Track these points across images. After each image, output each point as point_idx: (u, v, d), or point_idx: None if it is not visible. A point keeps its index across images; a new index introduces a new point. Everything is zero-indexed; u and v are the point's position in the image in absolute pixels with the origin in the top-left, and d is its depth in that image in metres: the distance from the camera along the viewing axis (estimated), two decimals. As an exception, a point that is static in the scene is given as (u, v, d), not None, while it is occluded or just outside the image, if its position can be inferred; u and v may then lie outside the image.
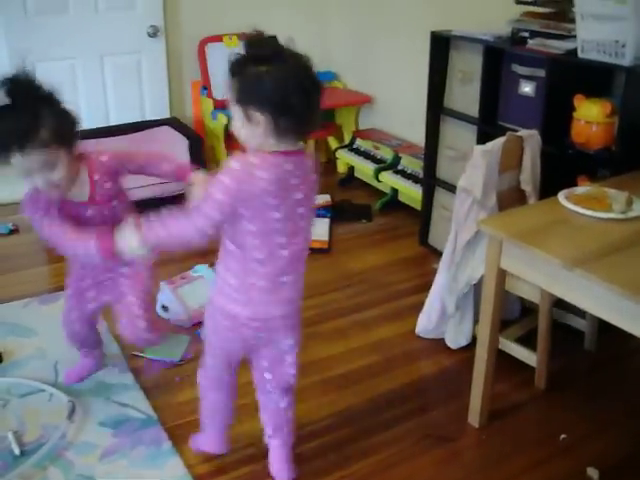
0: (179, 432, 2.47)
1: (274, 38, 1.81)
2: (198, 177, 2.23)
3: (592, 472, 2.30)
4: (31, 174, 2.12)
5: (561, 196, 2.36)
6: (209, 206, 1.80)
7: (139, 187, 3.90)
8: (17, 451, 2.37)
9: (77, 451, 2.39)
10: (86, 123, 4.31)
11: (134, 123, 4.42)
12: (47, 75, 4.05)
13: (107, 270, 2.46)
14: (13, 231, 4.09)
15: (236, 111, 1.79)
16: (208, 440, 2.31)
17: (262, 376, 2.15)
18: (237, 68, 1.77)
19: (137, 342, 2.50)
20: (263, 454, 2.32)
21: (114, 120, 4.46)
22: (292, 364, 2.11)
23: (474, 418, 2.53)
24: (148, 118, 4.55)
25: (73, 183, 2.24)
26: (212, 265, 3.09)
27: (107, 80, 4.40)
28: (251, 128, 1.78)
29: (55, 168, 2.13)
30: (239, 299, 1.95)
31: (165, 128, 4.37)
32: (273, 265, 1.91)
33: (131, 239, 1.92)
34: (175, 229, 1.87)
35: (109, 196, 2.32)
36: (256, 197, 1.78)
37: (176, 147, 4.14)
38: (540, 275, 2.16)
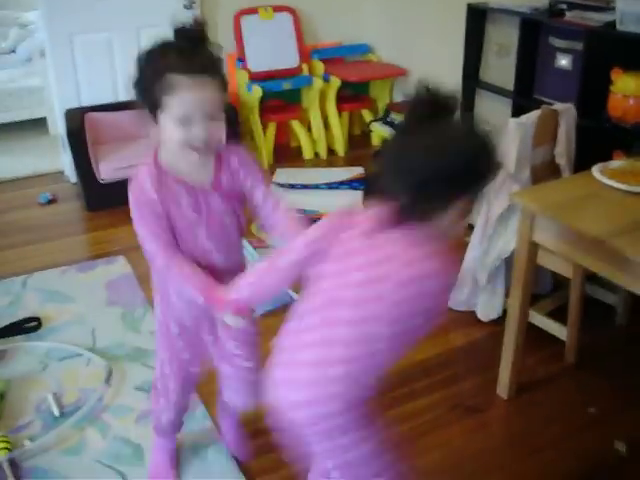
0: (213, 398, 2.52)
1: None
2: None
3: (620, 445, 2.31)
4: (191, 120, 1.64)
5: (595, 170, 2.35)
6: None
7: None
8: (56, 412, 2.45)
9: (114, 413, 2.46)
10: (122, 96, 4.41)
11: (170, 95, 4.46)
12: (84, 48, 4.18)
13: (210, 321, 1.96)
14: (51, 201, 4.17)
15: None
16: None
17: None
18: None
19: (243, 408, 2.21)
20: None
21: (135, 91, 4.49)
22: None
23: (503, 390, 2.54)
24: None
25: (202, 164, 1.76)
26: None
27: (143, 52, 4.43)
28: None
29: (218, 120, 1.69)
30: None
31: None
32: None
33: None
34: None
35: (237, 192, 1.82)
36: None
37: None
38: (573, 249, 2.16)
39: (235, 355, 2.01)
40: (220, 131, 1.70)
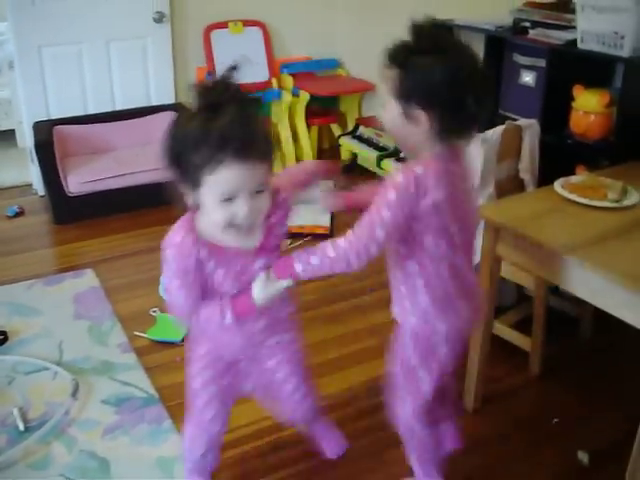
0: (180, 411, 2.51)
1: (443, 27, 1.67)
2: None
3: (582, 455, 2.35)
4: (235, 197, 1.56)
5: (557, 185, 2.40)
6: (374, 226, 1.63)
7: (116, 176, 3.98)
8: (22, 427, 2.43)
9: (80, 427, 2.45)
10: (92, 108, 4.41)
11: (139, 108, 4.47)
12: (53, 60, 4.17)
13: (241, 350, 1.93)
14: (19, 213, 4.15)
15: (391, 105, 1.62)
16: None
17: None
18: (400, 57, 1.59)
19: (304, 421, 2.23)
20: (258, 434, 2.41)
21: (120, 105, 4.49)
22: None
23: (469, 401, 2.57)
24: (153, 103, 4.58)
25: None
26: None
27: (113, 65, 4.43)
28: (408, 127, 1.61)
29: (264, 191, 1.61)
30: (436, 316, 1.81)
31: (170, 114, 4.40)
32: (458, 274, 1.78)
33: (268, 283, 1.71)
34: (331, 253, 1.67)
35: (278, 244, 1.81)
36: (431, 208, 1.62)
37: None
38: (535, 262, 2.20)
39: (275, 381, 2.03)
40: (264, 202, 1.63)
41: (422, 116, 1.58)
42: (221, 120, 1.50)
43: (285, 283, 1.72)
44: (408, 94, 1.58)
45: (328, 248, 1.68)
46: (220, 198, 1.55)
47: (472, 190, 1.83)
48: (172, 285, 1.73)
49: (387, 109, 1.65)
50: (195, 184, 1.56)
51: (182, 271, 1.69)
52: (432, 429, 2.03)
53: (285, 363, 2.00)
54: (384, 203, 1.62)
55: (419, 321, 1.83)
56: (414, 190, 1.59)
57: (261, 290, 1.71)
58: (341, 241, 1.67)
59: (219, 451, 2.12)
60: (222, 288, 1.74)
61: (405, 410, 1.97)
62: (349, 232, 1.67)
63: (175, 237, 1.68)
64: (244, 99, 1.58)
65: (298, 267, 1.70)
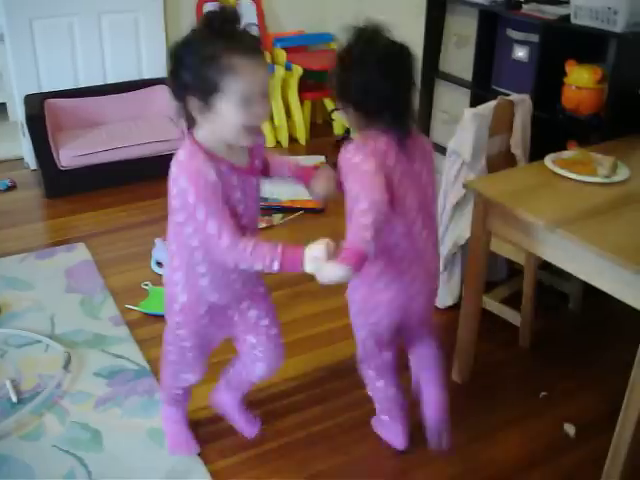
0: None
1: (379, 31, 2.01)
2: (323, 172, 2.01)
3: (568, 428, 2.38)
4: (252, 99, 1.66)
5: (548, 160, 2.41)
6: (371, 194, 1.75)
7: (108, 150, 3.97)
8: (14, 399, 2.45)
9: (72, 399, 2.47)
10: (83, 81, 4.38)
11: (131, 82, 4.44)
12: (44, 33, 4.13)
13: (228, 296, 1.99)
14: (10, 187, 4.13)
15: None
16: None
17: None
18: (332, 73, 1.97)
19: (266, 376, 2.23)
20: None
21: (111, 79, 4.46)
22: None
23: (458, 375, 2.60)
24: (145, 77, 4.55)
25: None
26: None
27: (104, 38, 4.39)
28: (348, 116, 1.94)
29: (269, 96, 1.75)
30: (383, 286, 1.99)
31: (161, 87, 4.39)
32: (410, 244, 1.96)
33: (336, 268, 1.69)
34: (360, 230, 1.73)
35: (261, 167, 1.93)
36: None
37: (172, 106, 4.15)
38: (524, 236, 2.21)
39: (261, 325, 2.10)
40: (269, 106, 1.77)
41: (350, 109, 1.91)
42: (237, 31, 1.67)
43: (349, 274, 1.69)
44: (340, 98, 1.94)
45: (363, 230, 1.72)
46: (241, 100, 1.64)
47: (424, 170, 2.02)
48: (200, 215, 1.70)
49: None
50: (213, 91, 1.64)
51: (205, 195, 1.69)
52: (387, 380, 2.22)
53: (268, 311, 2.12)
54: (366, 172, 1.80)
55: (365, 291, 2.03)
56: (379, 154, 1.86)
57: (326, 274, 1.71)
58: (363, 220, 1.73)
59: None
60: (240, 208, 1.81)
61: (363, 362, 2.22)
62: (360, 213, 1.75)
63: (184, 161, 1.72)
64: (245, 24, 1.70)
65: (363, 247, 1.70)
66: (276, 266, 1.71)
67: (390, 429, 2.30)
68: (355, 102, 1.89)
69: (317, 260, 1.70)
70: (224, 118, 1.67)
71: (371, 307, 2.04)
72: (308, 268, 1.72)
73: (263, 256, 1.71)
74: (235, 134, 1.71)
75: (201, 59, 1.63)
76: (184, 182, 1.70)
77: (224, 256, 1.75)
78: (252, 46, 1.67)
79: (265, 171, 1.98)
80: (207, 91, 1.64)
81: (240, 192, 1.80)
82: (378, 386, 2.23)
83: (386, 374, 2.20)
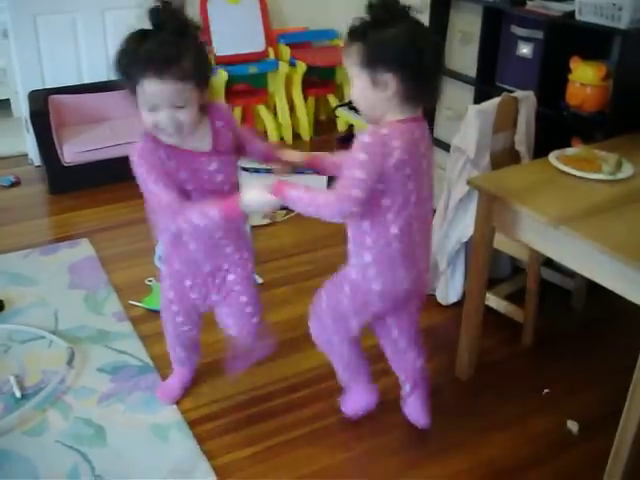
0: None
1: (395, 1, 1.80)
2: (289, 154, 2.19)
3: (572, 425, 2.38)
4: (157, 108, 1.85)
5: (552, 156, 2.41)
6: (352, 187, 1.78)
7: (111, 146, 3.97)
8: (18, 394, 2.45)
9: (76, 395, 2.47)
10: (87, 77, 4.38)
11: (135, 78, 4.43)
12: (48, 29, 4.13)
13: (213, 260, 2.16)
14: (14, 183, 4.14)
15: (359, 76, 1.79)
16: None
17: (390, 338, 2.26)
18: (361, 31, 1.77)
19: (251, 345, 2.35)
20: (252, 402, 2.45)
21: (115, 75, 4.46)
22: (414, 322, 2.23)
23: (461, 372, 2.60)
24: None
25: (193, 131, 1.95)
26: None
27: (108, 35, 4.39)
28: (376, 93, 1.78)
29: (185, 107, 1.87)
30: (374, 275, 1.98)
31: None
32: (409, 238, 1.93)
33: (262, 193, 1.87)
34: (321, 199, 1.84)
35: (230, 148, 2.05)
36: (393, 168, 1.78)
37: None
38: (528, 233, 2.21)
39: (234, 291, 2.22)
40: (188, 116, 1.88)
41: (390, 79, 1.75)
42: (149, 43, 1.81)
43: (275, 201, 1.88)
44: (375, 61, 1.74)
45: (320, 195, 1.85)
46: (146, 107, 1.86)
47: (431, 158, 1.96)
48: (149, 184, 1.93)
49: (355, 83, 1.82)
50: (132, 92, 1.88)
51: (152, 166, 1.92)
52: (351, 344, 2.24)
53: (243, 279, 2.22)
54: (356, 165, 1.78)
55: (357, 277, 2.02)
56: (381, 149, 1.76)
57: (252, 198, 1.89)
58: (331, 194, 1.83)
59: (199, 348, 2.46)
60: (189, 186, 1.97)
61: (326, 335, 2.23)
62: (335, 189, 1.83)
63: (137, 145, 1.96)
64: (182, 22, 1.86)
65: (292, 192, 1.87)
66: (215, 211, 1.89)
67: (360, 392, 2.35)
68: (402, 65, 1.73)
69: (253, 198, 1.90)
70: (143, 116, 1.90)
71: (362, 292, 2.04)
72: (244, 199, 1.90)
73: (201, 208, 1.91)
74: (153, 131, 1.92)
75: (125, 62, 1.86)
76: (135, 160, 1.96)
77: (166, 213, 1.96)
78: (161, 64, 1.79)
79: (241, 152, 2.13)
80: (131, 91, 1.89)
81: (186, 172, 1.96)
82: (342, 351, 2.25)
83: (351, 340, 2.23)
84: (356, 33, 1.78)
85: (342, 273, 2.10)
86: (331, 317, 2.15)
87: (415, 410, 2.34)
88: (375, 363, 2.38)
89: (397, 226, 1.89)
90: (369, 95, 1.80)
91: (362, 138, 1.77)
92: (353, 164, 1.78)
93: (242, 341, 2.32)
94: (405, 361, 2.29)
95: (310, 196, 1.86)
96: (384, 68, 1.73)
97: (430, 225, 2.06)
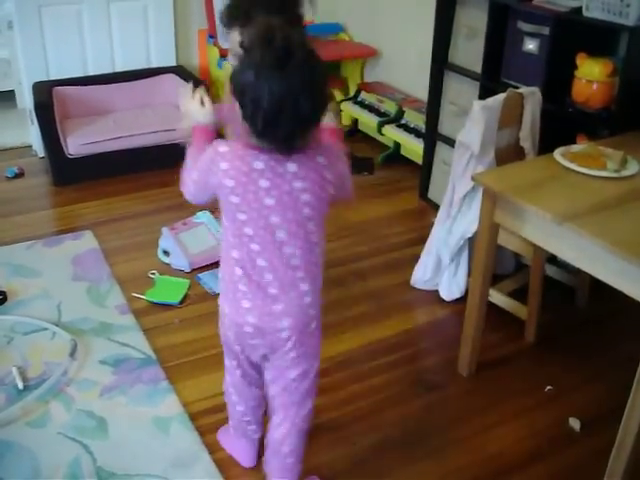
0: (176, 372, 2.56)
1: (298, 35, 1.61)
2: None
3: (574, 422, 2.38)
4: None
5: (557, 153, 2.40)
6: (191, 179, 1.78)
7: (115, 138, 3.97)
8: (21, 385, 2.46)
9: (78, 387, 2.48)
10: (92, 69, 4.37)
11: (140, 70, 4.44)
12: (53, 20, 4.13)
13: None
14: (18, 175, 4.14)
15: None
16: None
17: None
18: (246, 46, 1.59)
19: None
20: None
21: (120, 67, 4.46)
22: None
23: (463, 368, 2.60)
24: (154, 65, 4.55)
25: None
26: (213, 212, 3.17)
27: (113, 26, 4.39)
28: (236, 110, 1.62)
29: None
30: (225, 301, 1.85)
31: (171, 76, 4.39)
32: (251, 271, 1.75)
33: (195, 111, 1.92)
34: (186, 169, 1.82)
35: None
36: (217, 189, 1.69)
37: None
38: (532, 230, 2.21)
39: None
40: None
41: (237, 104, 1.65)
42: None
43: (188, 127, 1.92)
44: (233, 79, 1.63)
45: (190, 166, 1.82)
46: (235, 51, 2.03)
47: (285, 201, 1.68)
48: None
49: (226, 80, 1.77)
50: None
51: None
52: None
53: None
54: (197, 166, 1.77)
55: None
56: (210, 165, 1.73)
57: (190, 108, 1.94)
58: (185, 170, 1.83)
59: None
60: None
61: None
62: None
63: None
64: None
65: (192, 148, 1.85)
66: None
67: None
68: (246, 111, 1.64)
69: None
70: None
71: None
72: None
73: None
74: None
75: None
76: None
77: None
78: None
79: None
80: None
81: None
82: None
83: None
84: (245, 44, 1.60)
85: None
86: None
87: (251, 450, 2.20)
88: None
89: (238, 253, 1.75)
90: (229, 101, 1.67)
91: (212, 146, 1.72)
92: (198, 163, 1.76)
93: None
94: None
95: (192, 160, 1.81)
96: (235, 93, 1.61)
97: (296, 268, 1.76)
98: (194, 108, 1.93)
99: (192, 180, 1.78)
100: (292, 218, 1.69)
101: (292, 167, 1.65)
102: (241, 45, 1.60)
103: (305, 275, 1.77)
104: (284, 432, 1.95)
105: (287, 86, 1.53)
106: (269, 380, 1.93)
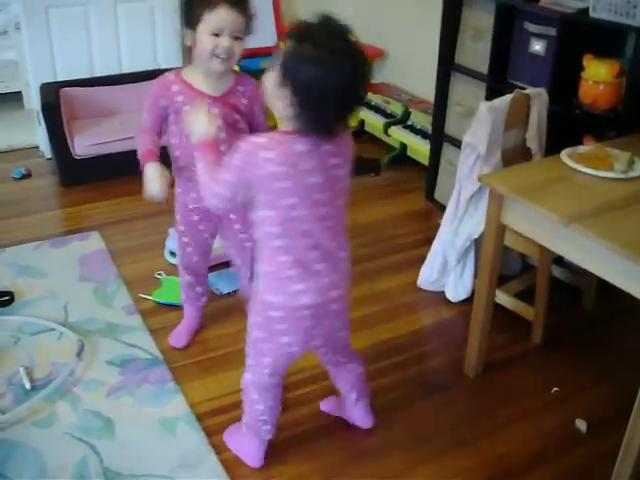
0: (183, 373, 2.56)
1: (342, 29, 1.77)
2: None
3: (580, 423, 2.37)
4: (222, 33, 2.19)
5: (564, 154, 2.39)
6: (224, 183, 1.82)
7: (122, 139, 3.97)
8: (28, 386, 2.46)
9: (85, 387, 2.48)
10: (98, 70, 4.38)
11: (146, 71, 4.43)
12: (60, 21, 4.14)
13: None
14: (26, 176, 4.15)
15: (274, 71, 1.72)
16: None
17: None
18: (298, 35, 1.71)
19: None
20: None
21: (127, 68, 4.47)
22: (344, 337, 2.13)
23: (469, 369, 2.60)
24: (161, 66, 4.55)
25: (216, 78, 2.32)
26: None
27: (120, 27, 4.40)
28: (279, 96, 1.71)
29: (239, 40, 2.24)
30: (273, 293, 1.91)
31: (177, 77, 4.39)
32: (298, 253, 1.85)
33: (202, 121, 2.00)
34: (205, 176, 1.90)
35: (239, 109, 2.36)
36: (260, 180, 1.75)
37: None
38: (538, 231, 2.20)
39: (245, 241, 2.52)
40: (239, 48, 2.25)
41: (288, 95, 1.71)
42: None
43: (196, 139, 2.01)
44: (285, 71, 1.70)
45: (209, 173, 1.93)
46: (211, 31, 2.19)
47: (326, 176, 1.82)
48: (145, 105, 2.41)
49: (268, 74, 1.79)
50: (196, 22, 2.20)
51: (154, 97, 2.37)
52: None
53: (243, 218, 2.43)
54: (228, 168, 1.84)
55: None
56: (252, 158, 1.80)
57: (196, 121, 2.04)
58: (210, 180, 1.92)
59: (205, 287, 2.77)
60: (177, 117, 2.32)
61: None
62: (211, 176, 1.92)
63: (165, 73, 2.38)
64: None
65: (202, 161, 1.95)
66: (139, 156, 2.38)
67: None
68: (302, 101, 1.77)
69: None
70: (200, 44, 2.22)
71: None
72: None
73: (140, 145, 2.40)
74: (206, 58, 2.23)
75: (197, 3, 2.21)
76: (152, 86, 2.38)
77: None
78: (235, 2, 2.20)
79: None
80: (194, 22, 2.21)
81: (190, 107, 2.20)
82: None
83: None
84: (295, 33, 1.76)
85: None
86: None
87: (360, 416, 2.32)
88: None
89: (282, 240, 1.85)
90: (274, 92, 1.74)
91: (239, 143, 1.79)
92: (227, 166, 1.82)
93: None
94: (347, 372, 2.24)
95: (209, 168, 1.91)
96: (287, 85, 1.68)
97: (336, 240, 1.91)
98: (198, 124, 2.01)
99: (226, 184, 1.81)
100: (332, 193, 1.84)
101: (327, 145, 1.78)
102: (295, 37, 1.73)
103: (341, 245, 1.94)
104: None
105: (350, 73, 1.68)
106: (326, 360, 2.21)
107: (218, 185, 1.84)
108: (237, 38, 2.23)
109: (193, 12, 2.21)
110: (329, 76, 1.65)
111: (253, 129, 2.41)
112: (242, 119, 2.38)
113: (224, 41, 2.21)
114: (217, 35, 2.20)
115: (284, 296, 1.89)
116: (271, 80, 1.74)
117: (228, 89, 2.35)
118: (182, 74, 2.35)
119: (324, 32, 1.72)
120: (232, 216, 2.51)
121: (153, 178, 2.33)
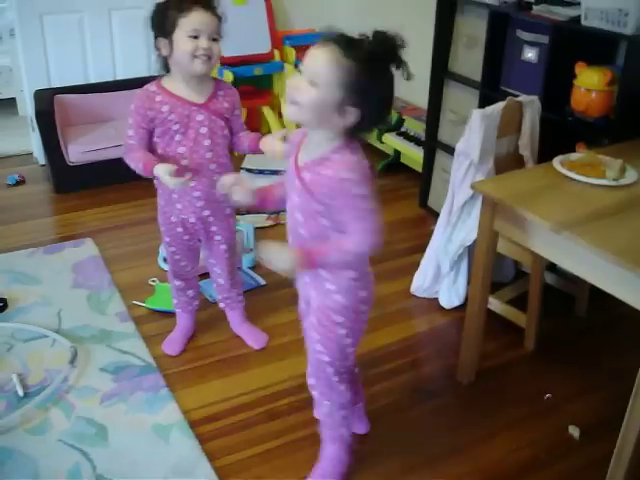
0: (176, 379, 2.56)
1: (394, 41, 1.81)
2: (269, 142, 2.33)
3: (573, 430, 2.38)
4: (200, 35, 2.23)
5: (556, 161, 2.41)
6: (379, 229, 1.77)
7: (116, 146, 3.98)
8: (21, 392, 2.46)
9: (78, 394, 2.48)
10: (93, 77, 4.38)
11: (141, 78, 4.42)
12: (55, 28, 4.14)
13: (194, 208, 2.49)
14: (19, 182, 4.15)
15: (325, 92, 1.71)
16: None
17: None
18: (360, 53, 1.74)
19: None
20: (254, 403, 2.45)
21: (121, 75, 4.47)
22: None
23: (462, 375, 2.60)
24: (154, 74, 4.54)
25: (196, 84, 2.36)
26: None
27: (114, 35, 4.40)
28: (334, 113, 1.71)
29: (217, 41, 2.29)
30: (366, 288, 2.06)
31: (171, 84, 4.40)
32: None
33: (283, 253, 1.81)
34: (349, 244, 1.80)
35: (221, 114, 2.41)
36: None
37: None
38: (531, 238, 2.21)
39: (220, 244, 2.63)
40: (217, 49, 2.29)
41: (351, 110, 1.73)
42: None
43: (294, 269, 1.84)
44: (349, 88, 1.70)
45: (344, 242, 1.81)
46: (188, 34, 2.22)
47: None
48: (128, 120, 2.39)
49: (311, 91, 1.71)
50: (172, 29, 2.23)
51: (138, 110, 2.35)
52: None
53: (224, 230, 2.61)
54: (368, 196, 1.74)
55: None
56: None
57: (274, 255, 1.80)
58: (355, 235, 1.78)
59: (196, 291, 2.78)
60: (174, 136, 2.36)
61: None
62: (355, 226, 1.77)
63: (145, 86, 2.40)
64: None
65: (318, 257, 1.83)
66: (140, 169, 2.35)
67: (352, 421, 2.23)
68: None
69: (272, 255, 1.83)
70: (178, 49, 2.25)
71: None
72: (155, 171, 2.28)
73: (135, 160, 2.36)
74: (184, 62, 2.26)
75: (171, 7, 2.24)
76: (134, 100, 2.38)
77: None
78: (210, 2, 2.27)
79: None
80: (170, 29, 2.24)
81: (176, 115, 2.34)
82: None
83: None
84: (351, 48, 1.77)
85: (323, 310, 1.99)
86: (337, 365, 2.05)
87: (356, 421, 2.30)
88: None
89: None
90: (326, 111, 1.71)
91: (345, 170, 1.71)
92: (365, 197, 1.73)
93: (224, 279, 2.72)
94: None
95: (335, 248, 1.82)
96: (350, 99, 1.71)
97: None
98: (280, 261, 1.81)
99: (378, 228, 1.77)
100: None
101: None
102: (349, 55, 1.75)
103: None
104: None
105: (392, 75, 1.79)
106: None
107: (375, 236, 1.78)
108: (214, 39, 2.28)
109: (167, 19, 2.24)
110: (383, 79, 1.81)
111: (234, 133, 2.49)
112: (225, 124, 2.44)
113: (202, 42, 2.24)
114: (195, 37, 2.23)
115: (371, 290, 2.06)
116: (319, 100, 1.69)
117: (210, 95, 2.39)
118: (162, 83, 2.37)
119: (380, 40, 1.82)
120: (213, 228, 2.59)
121: (169, 170, 2.25)
